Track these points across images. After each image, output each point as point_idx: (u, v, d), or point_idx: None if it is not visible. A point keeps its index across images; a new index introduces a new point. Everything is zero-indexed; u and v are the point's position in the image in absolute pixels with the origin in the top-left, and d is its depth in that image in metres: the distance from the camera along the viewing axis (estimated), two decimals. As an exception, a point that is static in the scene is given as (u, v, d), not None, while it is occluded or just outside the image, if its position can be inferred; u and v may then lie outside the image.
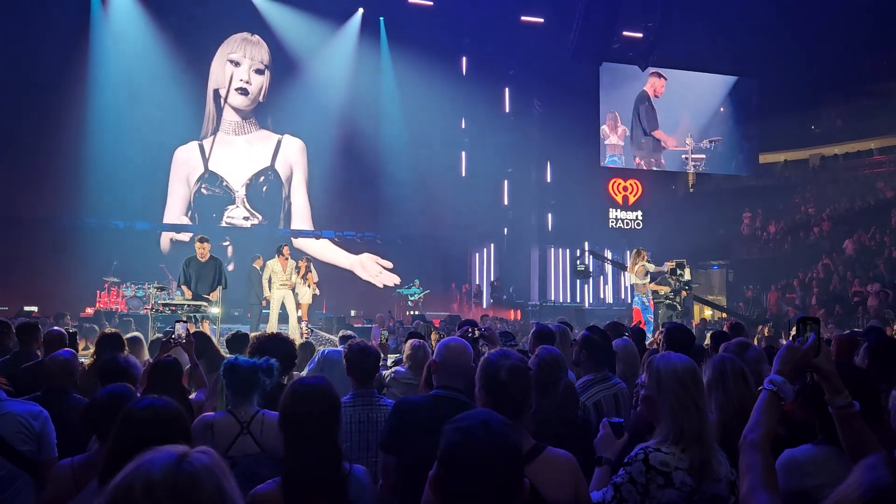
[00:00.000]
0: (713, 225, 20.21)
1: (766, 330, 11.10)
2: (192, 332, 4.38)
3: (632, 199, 19.21)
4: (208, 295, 9.55)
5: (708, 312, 16.60)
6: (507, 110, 18.82)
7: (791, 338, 2.11)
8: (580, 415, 3.38)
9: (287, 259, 11.03)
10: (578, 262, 15.53)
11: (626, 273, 12.07)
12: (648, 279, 11.50)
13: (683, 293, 11.65)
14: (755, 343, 6.15)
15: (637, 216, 19.09)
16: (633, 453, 2.08)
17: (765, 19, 17.35)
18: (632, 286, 12.11)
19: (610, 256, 16.00)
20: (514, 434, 1.43)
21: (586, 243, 18.05)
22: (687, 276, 11.85)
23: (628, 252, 18.87)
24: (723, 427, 2.49)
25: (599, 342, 3.90)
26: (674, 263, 11.69)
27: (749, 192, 20.93)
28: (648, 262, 11.58)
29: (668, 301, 11.57)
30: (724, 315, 15.49)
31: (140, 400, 2.18)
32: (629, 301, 13.21)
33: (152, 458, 1.09)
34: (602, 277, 19.31)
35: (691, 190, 22.01)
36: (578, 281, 18.21)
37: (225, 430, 2.97)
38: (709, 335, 5.53)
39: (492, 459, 1.37)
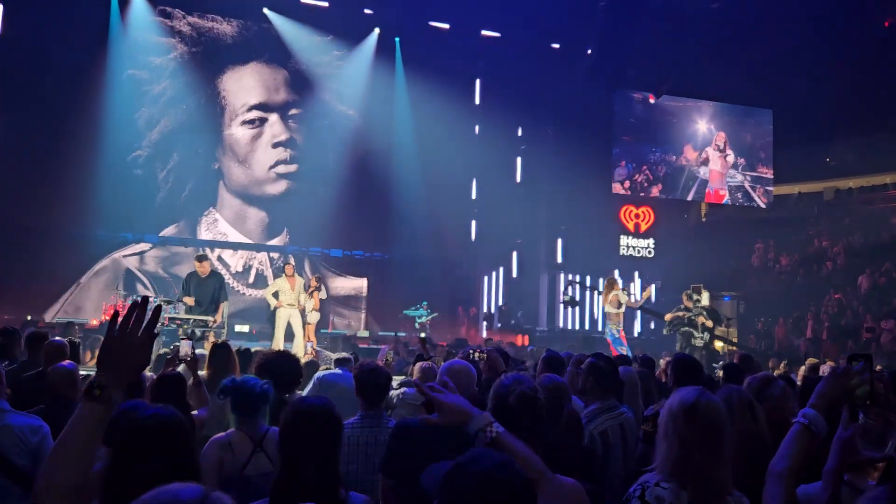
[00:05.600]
0: (725, 255, 20.07)
1: (781, 365, 10.87)
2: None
3: (644, 227, 19.12)
4: (210, 311, 9.85)
5: (718, 344, 16.43)
6: (520, 135, 18.85)
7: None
8: (587, 443, 3.32)
9: (293, 278, 11.06)
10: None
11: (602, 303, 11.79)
12: (623, 309, 11.32)
13: (701, 319, 11.31)
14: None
15: (649, 244, 18.99)
16: (633, 489, 2.04)
17: (780, 50, 17.37)
18: (604, 315, 11.83)
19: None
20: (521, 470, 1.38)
21: (592, 273, 17.96)
22: (704, 300, 11.58)
23: (640, 280, 18.78)
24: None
25: (606, 369, 3.83)
26: (651, 290, 11.49)
27: (762, 224, 20.80)
28: (623, 291, 11.45)
29: (683, 328, 11.39)
30: (734, 348, 15.32)
31: (145, 409, 2.17)
32: (600, 329, 12.73)
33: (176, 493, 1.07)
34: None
35: (703, 219, 21.92)
36: (589, 307, 18.18)
37: (240, 449, 2.94)
38: (720, 367, 5.45)
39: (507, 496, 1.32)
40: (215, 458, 2.88)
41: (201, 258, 10.23)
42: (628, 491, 2.06)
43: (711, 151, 19.53)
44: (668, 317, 11.90)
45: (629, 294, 11.91)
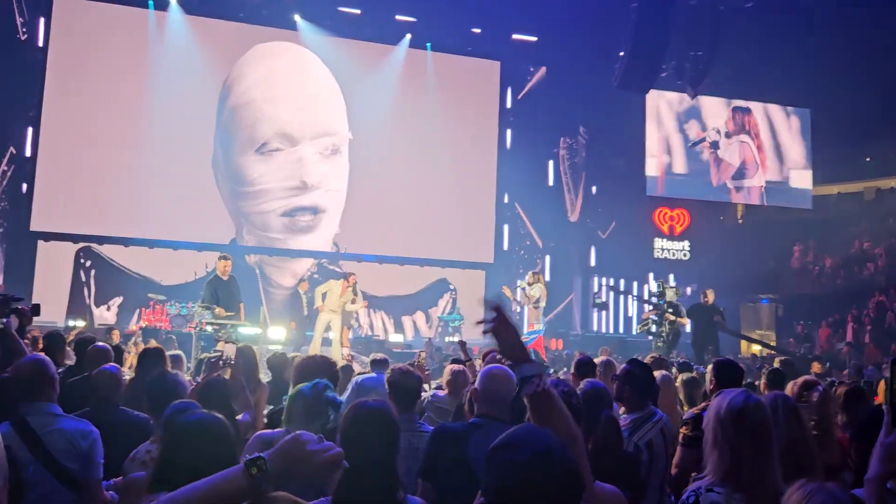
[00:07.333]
0: (763, 257, 19.73)
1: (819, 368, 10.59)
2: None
3: (679, 229, 18.88)
4: (235, 314, 9.63)
5: (756, 348, 16.15)
6: (552, 137, 18.70)
7: (889, 391, 1.85)
8: (632, 451, 3.29)
9: (349, 288, 11.18)
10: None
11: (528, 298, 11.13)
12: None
13: (669, 317, 11.02)
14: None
15: (684, 246, 18.73)
16: (685, 496, 2.05)
17: (817, 48, 17.05)
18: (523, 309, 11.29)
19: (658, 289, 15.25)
20: (574, 458, 1.37)
21: (618, 278, 17.77)
22: (669, 297, 11.28)
23: (675, 283, 18.50)
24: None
25: (643, 377, 3.77)
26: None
27: (801, 225, 20.40)
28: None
29: (645, 328, 11.25)
30: (772, 351, 15.03)
31: (190, 414, 2.24)
32: (537, 329, 11.30)
33: None
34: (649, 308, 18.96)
35: (740, 221, 21.58)
36: (629, 311, 18.04)
37: None
38: (763, 373, 5.35)
39: (559, 490, 1.30)
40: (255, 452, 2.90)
41: (226, 257, 9.98)
42: (682, 498, 2.07)
43: (747, 147, 19.24)
44: (647, 314, 11.86)
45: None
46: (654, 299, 11.64)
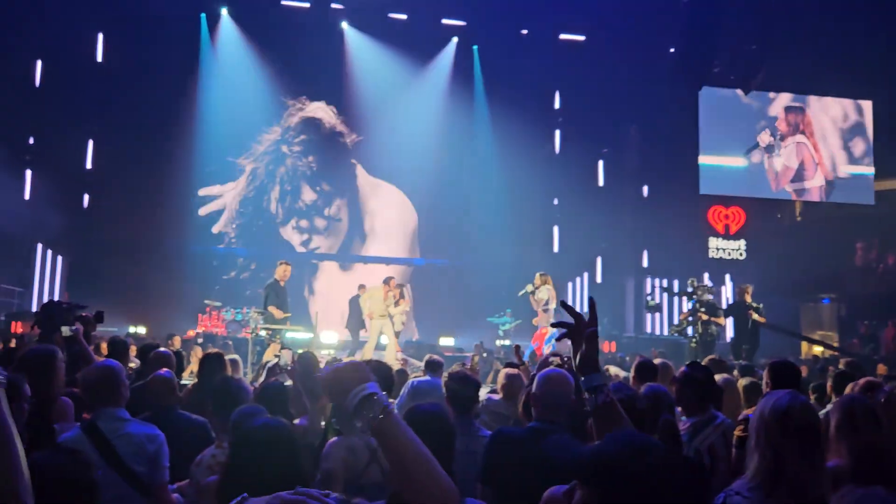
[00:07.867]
0: (823, 256, 19.08)
1: (885, 370, 10.15)
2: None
3: (734, 228, 18.43)
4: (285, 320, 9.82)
5: (818, 349, 15.65)
6: (602, 138, 18.49)
7: None
8: (693, 457, 3.23)
9: (390, 290, 11.27)
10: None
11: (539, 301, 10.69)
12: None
13: (702, 316, 10.53)
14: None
15: (740, 246, 18.27)
16: (717, 498, 2.03)
17: (877, 36, 16.43)
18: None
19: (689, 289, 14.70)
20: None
21: (671, 278, 17.43)
22: (700, 295, 10.77)
23: (731, 283, 18.05)
24: (854, 471, 2.34)
25: (703, 380, 3.69)
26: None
27: (863, 221, 19.67)
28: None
29: (678, 329, 10.84)
30: (835, 353, 14.52)
31: (256, 419, 2.29)
32: (553, 332, 10.61)
33: None
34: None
35: (798, 218, 20.93)
36: (678, 313, 17.66)
37: (360, 456, 2.98)
38: (830, 375, 5.16)
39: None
40: (340, 459, 2.93)
41: (287, 263, 10.22)
42: (715, 499, 2.05)
43: (804, 147, 18.67)
44: (683, 316, 11.51)
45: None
46: (687, 298, 11.27)
